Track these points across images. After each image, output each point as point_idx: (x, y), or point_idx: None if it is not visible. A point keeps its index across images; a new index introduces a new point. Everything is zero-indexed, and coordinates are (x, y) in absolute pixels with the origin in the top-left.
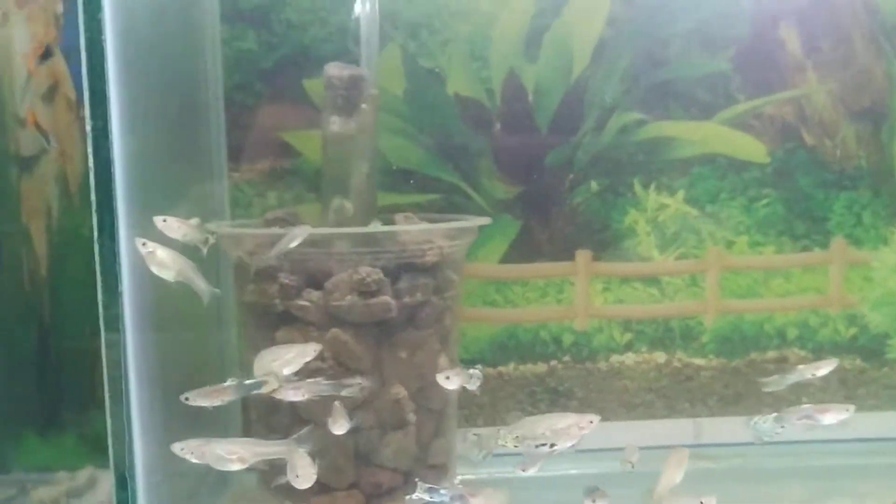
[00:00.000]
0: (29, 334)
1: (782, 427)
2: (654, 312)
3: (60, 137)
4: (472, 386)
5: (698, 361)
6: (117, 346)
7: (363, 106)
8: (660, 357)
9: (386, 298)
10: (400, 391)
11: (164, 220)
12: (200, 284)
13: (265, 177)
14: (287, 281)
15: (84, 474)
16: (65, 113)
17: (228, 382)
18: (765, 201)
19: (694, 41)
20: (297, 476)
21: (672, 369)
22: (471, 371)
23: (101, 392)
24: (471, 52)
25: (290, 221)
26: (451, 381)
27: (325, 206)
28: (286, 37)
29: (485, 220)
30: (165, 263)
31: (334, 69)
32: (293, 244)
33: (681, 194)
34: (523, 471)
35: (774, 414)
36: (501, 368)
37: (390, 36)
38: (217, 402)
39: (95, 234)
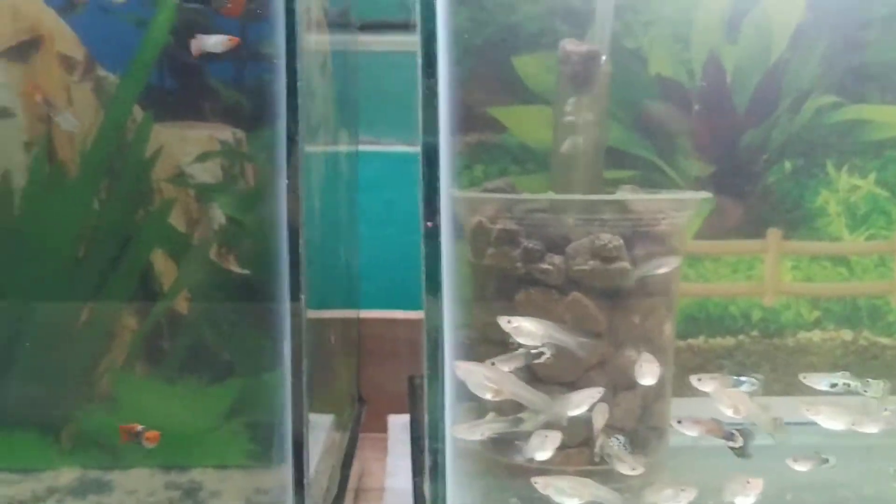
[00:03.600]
0: None
1: None
2: (842, 291)
3: None
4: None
5: (885, 340)
6: (437, 313)
7: (597, 80)
8: (846, 335)
9: (625, 264)
10: (632, 354)
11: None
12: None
13: (472, 150)
14: (531, 245)
15: None
16: None
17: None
18: None
19: (892, 25)
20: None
21: (858, 347)
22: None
23: None
24: (673, 34)
25: (508, 191)
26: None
27: (556, 175)
28: (497, 14)
29: (706, 195)
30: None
31: (571, 44)
32: (661, 270)
33: (872, 176)
34: None
35: None
36: (691, 341)
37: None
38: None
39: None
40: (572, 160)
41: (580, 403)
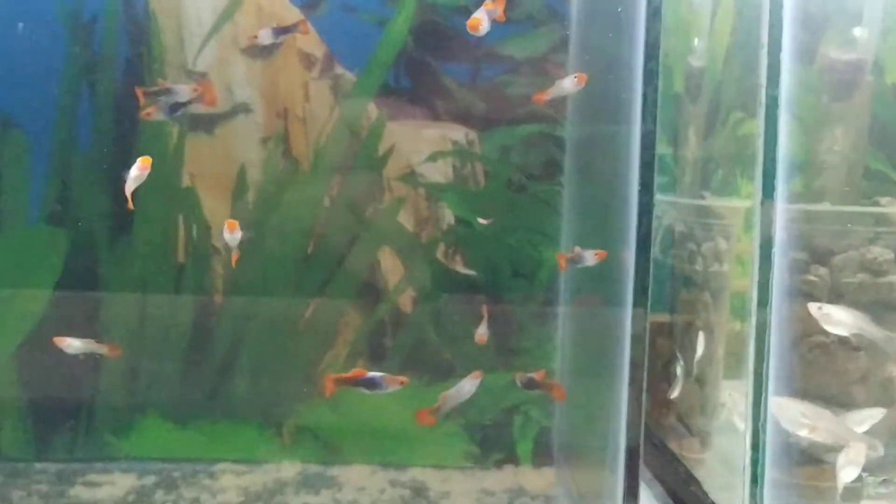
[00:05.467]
0: None
1: None
2: None
3: None
4: None
5: None
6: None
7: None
8: None
9: (893, 279)
10: (894, 370)
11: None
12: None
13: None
14: (796, 256)
15: None
16: None
17: None
18: None
19: None
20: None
21: None
22: None
23: None
24: None
25: None
26: None
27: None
28: None
29: None
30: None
31: (836, 51)
32: None
33: None
34: None
35: None
36: None
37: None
38: None
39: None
40: (835, 171)
41: (860, 423)
